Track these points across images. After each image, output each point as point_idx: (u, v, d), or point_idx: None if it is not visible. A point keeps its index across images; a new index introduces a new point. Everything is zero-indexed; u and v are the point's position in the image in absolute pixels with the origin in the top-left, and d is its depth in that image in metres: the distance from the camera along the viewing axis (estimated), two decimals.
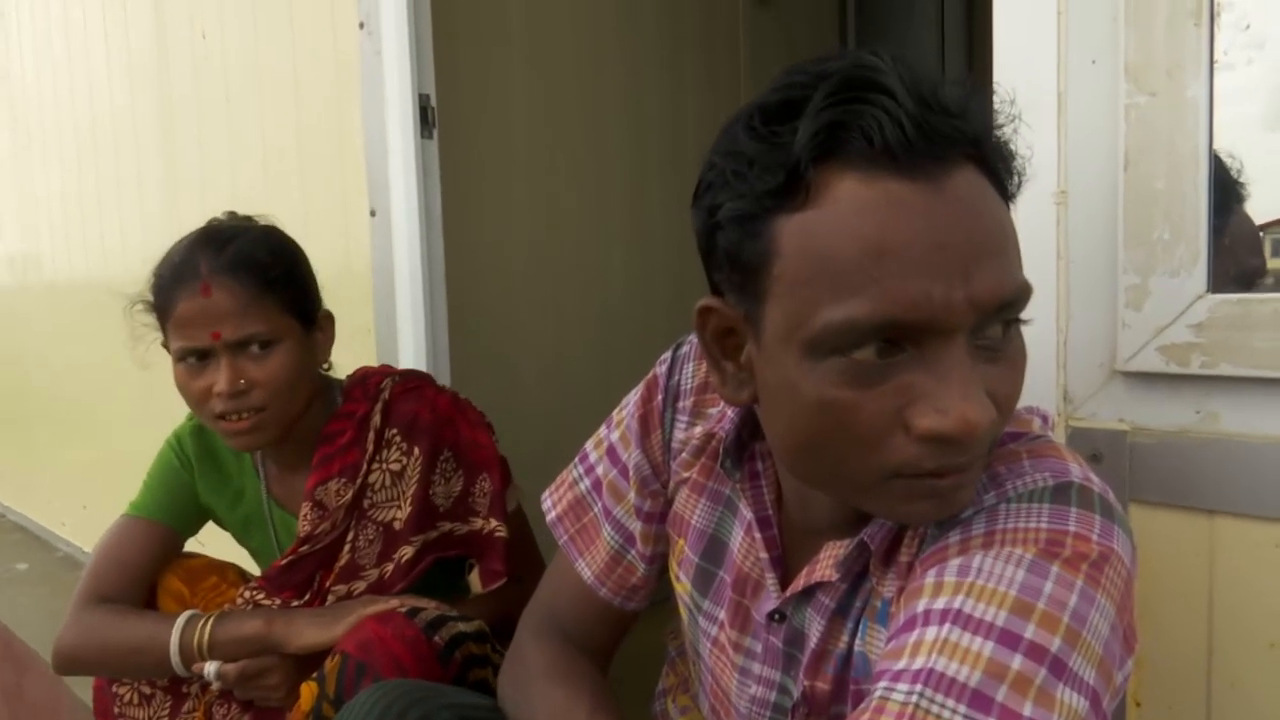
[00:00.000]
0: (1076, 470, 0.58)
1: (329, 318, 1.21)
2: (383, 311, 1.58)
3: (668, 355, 0.83)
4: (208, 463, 1.26)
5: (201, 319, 1.07)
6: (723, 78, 2.40)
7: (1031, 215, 0.79)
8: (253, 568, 1.35)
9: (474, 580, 1.22)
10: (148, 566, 1.20)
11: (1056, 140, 0.79)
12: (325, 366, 1.22)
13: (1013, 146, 0.57)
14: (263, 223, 1.19)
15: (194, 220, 2.14)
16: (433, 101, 1.51)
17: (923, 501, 0.55)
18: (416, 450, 1.17)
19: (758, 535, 0.71)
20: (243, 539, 1.29)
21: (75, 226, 2.76)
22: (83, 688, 1.75)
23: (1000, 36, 0.82)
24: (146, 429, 2.58)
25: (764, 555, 0.70)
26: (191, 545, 1.28)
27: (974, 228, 0.52)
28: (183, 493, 1.24)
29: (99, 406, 2.80)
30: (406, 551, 1.17)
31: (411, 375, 1.26)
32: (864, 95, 0.52)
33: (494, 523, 1.20)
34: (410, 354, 1.54)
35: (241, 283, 1.08)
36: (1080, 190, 0.77)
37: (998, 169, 0.55)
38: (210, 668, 1.08)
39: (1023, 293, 0.54)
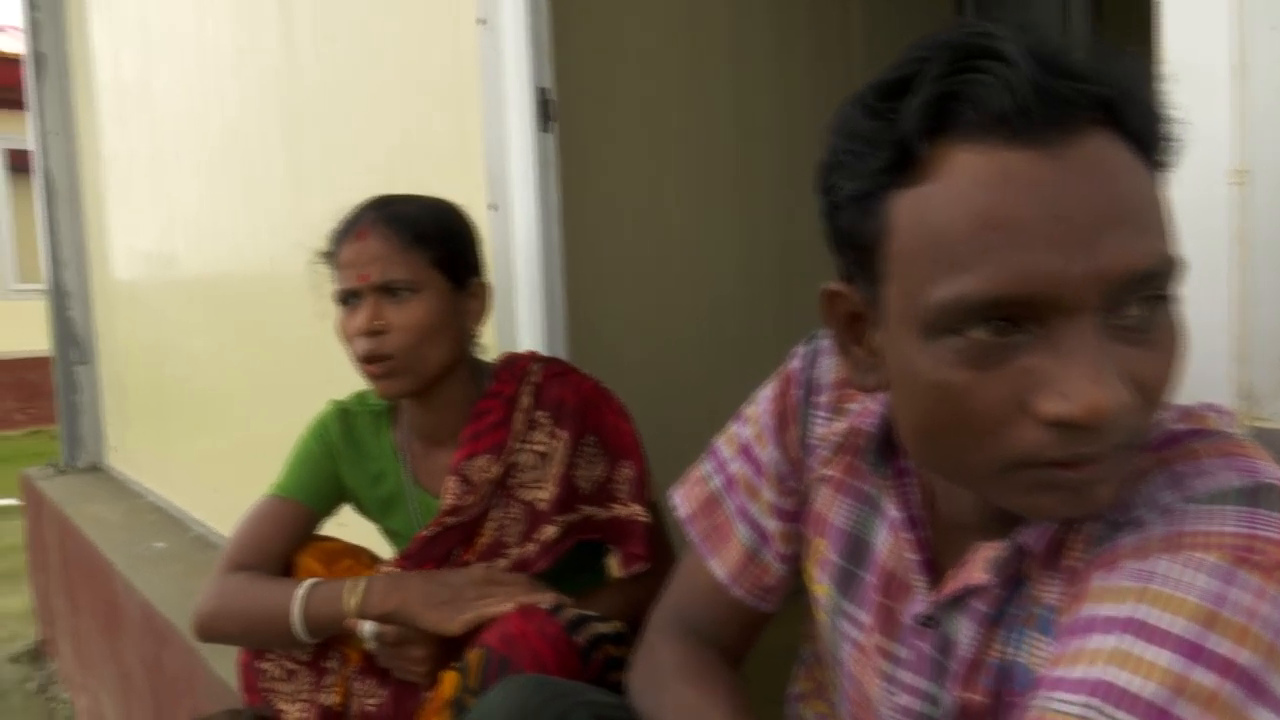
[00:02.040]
0: (1267, 469, 0.54)
1: (483, 287, 1.25)
2: (502, 304, 1.60)
3: (801, 348, 0.81)
4: (350, 444, 1.30)
5: (355, 261, 1.15)
6: (834, 62, 2.34)
7: (1201, 195, 0.74)
8: (386, 554, 1.38)
9: (612, 565, 1.22)
10: (285, 542, 1.25)
11: (1231, 114, 0.73)
12: (475, 335, 1.25)
13: (1162, 110, 0.53)
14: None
15: (318, 219, 2.21)
16: (552, 95, 1.51)
17: (1048, 495, 0.51)
18: (563, 433, 1.19)
19: (905, 534, 0.68)
20: (381, 519, 1.33)
21: (207, 226, 2.89)
22: (224, 664, 1.84)
23: (1167, 3, 0.76)
24: (269, 417, 2.70)
25: (912, 556, 0.67)
26: (332, 528, 1.31)
27: (1101, 196, 0.48)
28: (323, 473, 1.29)
29: (227, 396, 2.93)
30: (550, 531, 1.19)
31: (556, 361, 1.29)
32: (977, 64, 0.50)
33: (635, 508, 1.21)
34: (528, 345, 1.55)
35: (395, 230, 1.15)
36: (1263, 168, 0.71)
37: (1139, 134, 0.51)
38: (368, 627, 1.12)
39: (1163, 265, 0.50)
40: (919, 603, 0.67)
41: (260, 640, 1.21)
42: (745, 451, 0.82)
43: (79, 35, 3.89)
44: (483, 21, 1.53)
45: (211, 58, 2.71)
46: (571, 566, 1.22)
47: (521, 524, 1.21)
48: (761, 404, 0.82)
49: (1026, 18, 2.77)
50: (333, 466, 1.29)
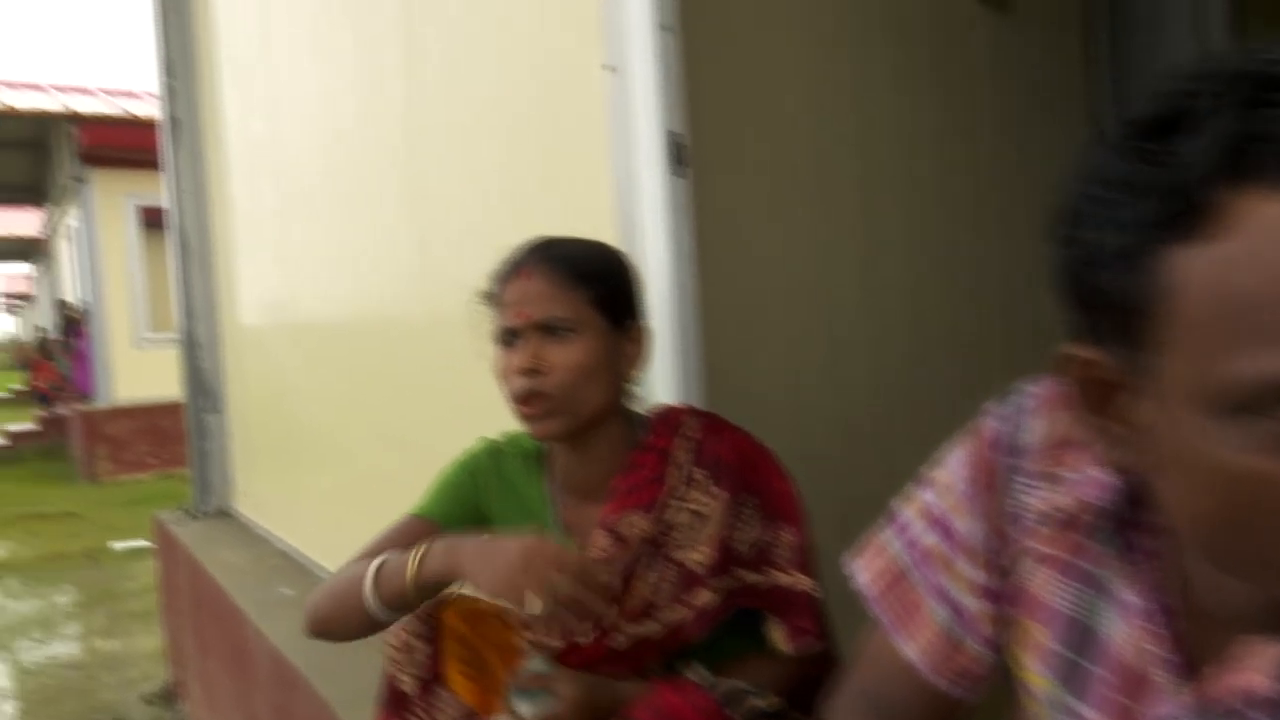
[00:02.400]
0: None
1: (642, 331, 1.23)
2: None
3: (997, 406, 0.73)
4: (501, 482, 1.29)
5: (516, 300, 1.16)
6: (957, 96, 2.25)
7: None
8: None
9: (776, 637, 1.16)
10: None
11: None
12: (632, 381, 1.22)
13: None
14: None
15: (440, 271, 2.23)
16: (684, 139, 1.47)
17: None
18: (721, 492, 1.15)
19: (1149, 625, 0.59)
20: None
21: (331, 275, 2.97)
22: (354, 715, 1.83)
23: None
24: (393, 462, 2.73)
25: (1157, 650, 0.59)
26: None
27: None
28: (466, 504, 1.28)
29: (351, 442, 2.98)
30: (706, 596, 1.13)
31: (712, 415, 1.24)
32: (1275, 97, 0.43)
33: (801, 578, 1.15)
34: (662, 398, 1.50)
35: (556, 270, 1.15)
36: None
37: None
38: (525, 708, 1.08)
39: None
40: (1167, 704, 0.58)
41: (345, 618, 1.18)
42: (937, 521, 0.75)
43: (210, 99, 4.09)
44: (611, 68, 1.51)
45: (336, 111, 2.79)
46: (730, 635, 1.16)
47: (674, 586, 1.15)
48: (953, 469, 0.75)
49: (1158, 49, 2.63)
50: (478, 499, 1.28)
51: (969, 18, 2.25)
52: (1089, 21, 2.57)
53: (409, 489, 2.59)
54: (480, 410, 2.14)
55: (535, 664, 1.16)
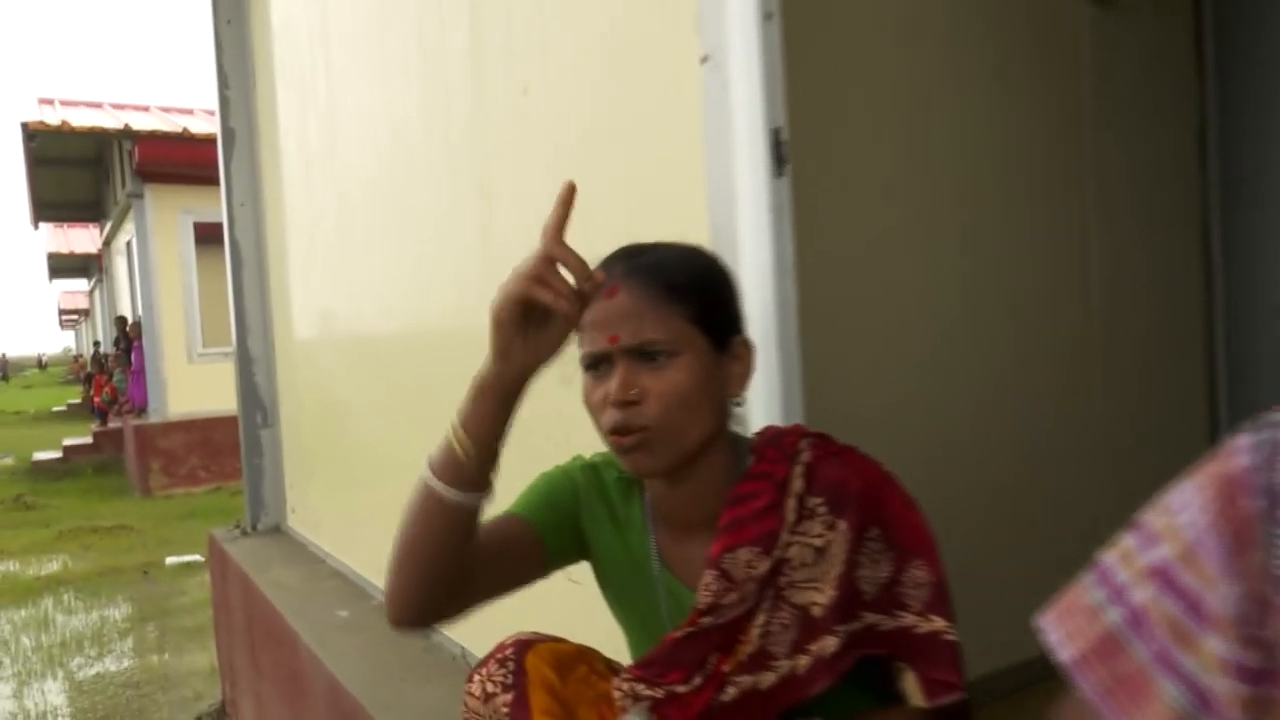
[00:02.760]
0: None
1: (747, 346, 1.09)
2: None
3: (1248, 438, 0.59)
4: (599, 500, 1.17)
5: (603, 322, 1.02)
6: (1059, 90, 2.10)
7: None
8: (618, 650, 1.22)
9: (911, 690, 1.02)
10: (499, 540, 1.10)
11: None
12: (737, 402, 1.09)
13: None
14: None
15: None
16: (785, 136, 1.35)
17: None
18: (842, 524, 1.01)
19: None
20: (620, 595, 1.17)
21: (392, 290, 2.88)
22: None
23: None
24: None
25: None
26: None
27: None
28: (565, 510, 1.16)
29: (407, 463, 2.88)
30: (830, 644, 1.00)
31: (826, 437, 1.11)
32: None
33: (938, 621, 1.01)
34: (760, 416, 1.37)
35: (647, 286, 1.02)
36: None
37: None
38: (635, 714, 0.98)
39: None
40: None
41: (422, 541, 1.03)
42: (1161, 577, 0.61)
43: (267, 110, 4.05)
44: (707, 59, 1.39)
45: (397, 118, 2.71)
46: (839, 682, 1.03)
47: (792, 632, 1.02)
48: (1191, 518, 0.61)
49: (1267, 48, 2.46)
50: (578, 512, 1.16)
51: (1072, 13, 2.10)
52: (1197, 17, 2.40)
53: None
54: (548, 427, 2.03)
55: (634, 717, 1.05)
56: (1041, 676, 2.13)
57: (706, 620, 1.03)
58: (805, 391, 1.39)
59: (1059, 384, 2.11)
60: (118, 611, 5.74)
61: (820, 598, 1.01)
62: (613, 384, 1.01)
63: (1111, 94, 2.20)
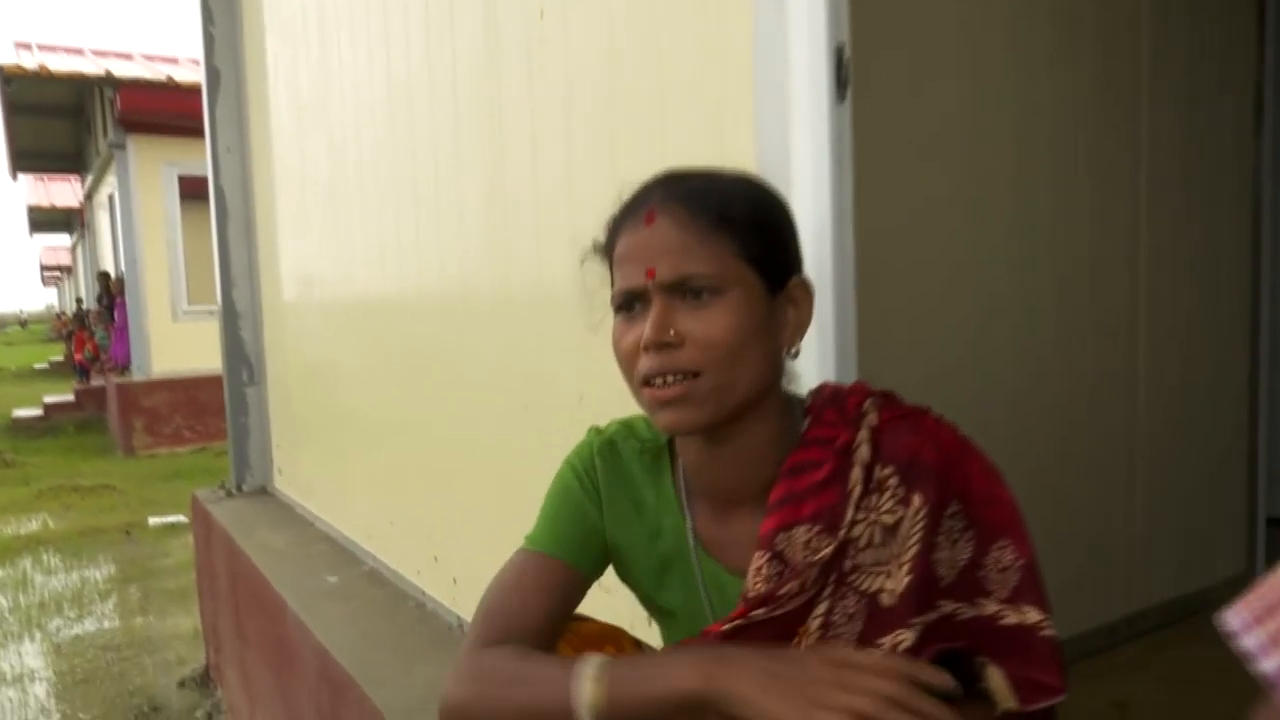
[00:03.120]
0: None
1: (806, 290, 0.94)
2: None
3: None
4: (619, 487, 1.01)
5: (639, 253, 0.88)
6: (1119, 55, 1.96)
7: None
8: (651, 636, 1.08)
9: (998, 688, 0.88)
10: (552, 611, 0.95)
11: None
12: (791, 354, 0.94)
13: None
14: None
15: (515, 244, 1.87)
16: (848, 54, 1.18)
17: None
18: (917, 499, 0.86)
19: None
20: (654, 592, 1.02)
21: (388, 246, 2.71)
22: None
23: None
24: (448, 447, 2.48)
25: None
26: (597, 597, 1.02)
27: None
28: (586, 524, 1.00)
29: (401, 423, 2.73)
30: (904, 637, 0.85)
31: (893, 397, 0.95)
32: None
33: (1030, 612, 0.87)
34: (813, 359, 1.22)
35: (691, 213, 0.87)
36: None
37: None
38: None
39: None
40: None
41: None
42: None
43: (255, 52, 3.84)
44: None
45: (397, 63, 2.52)
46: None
47: (858, 623, 0.87)
48: None
49: None
50: (596, 515, 1.01)
51: None
52: None
53: (464, 477, 2.37)
54: (551, 397, 1.88)
55: None
56: (1074, 657, 2.03)
57: (759, 613, 0.88)
58: (860, 349, 1.24)
59: (1103, 361, 2.03)
60: (99, 572, 5.59)
61: (891, 584, 0.87)
62: (648, 325, 0.86)
63: (1171, 59, 2.08)
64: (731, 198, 0.89)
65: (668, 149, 1.42)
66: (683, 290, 0.86)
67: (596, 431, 1.05)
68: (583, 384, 1.76)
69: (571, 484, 1.01)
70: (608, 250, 0.95)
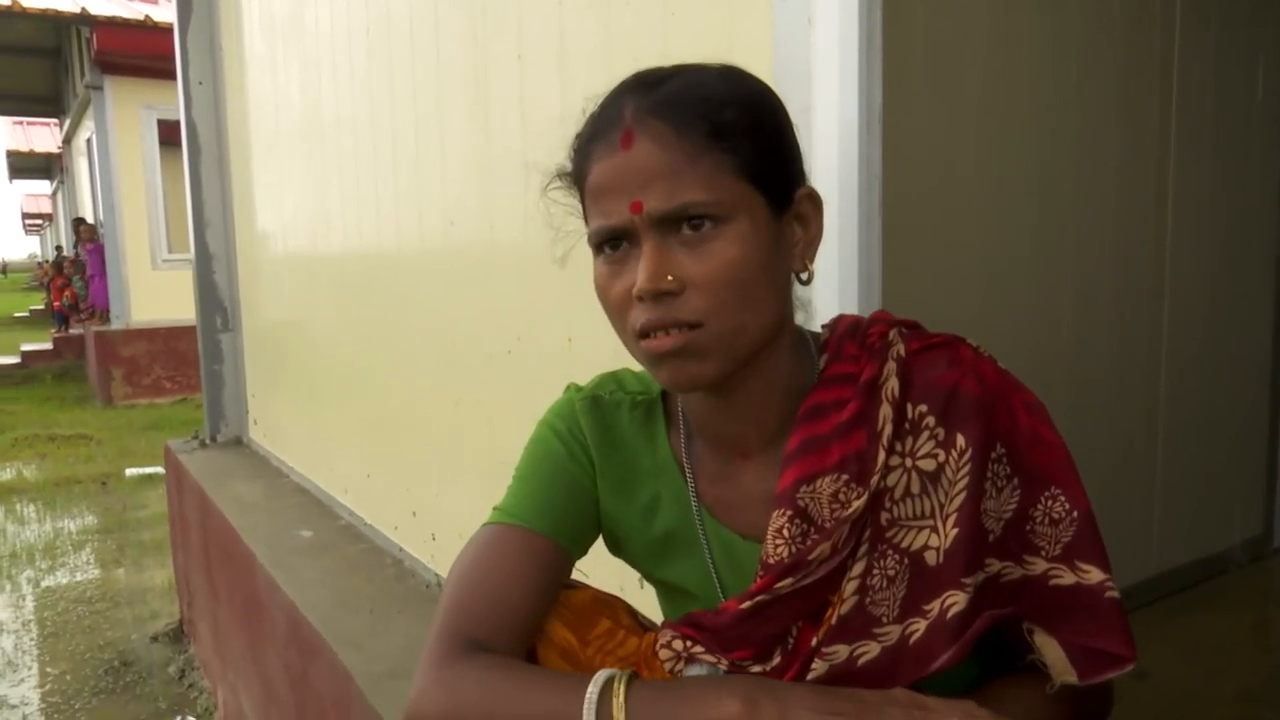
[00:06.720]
0: None
1: (814, 201, 0.78)
2: None
3: None
4: (611, 452, 0.86)
5: (620, 183, 0.72)
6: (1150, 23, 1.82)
7: None
8: (651, 608, 0.94)
9: (1053, 659, 0.75)
10: (539, 599, 0.80)
11: None
12: (804, 279, 0.78)
13: None
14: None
15: (507, 189, 1.72)
16: None
17: None
18: (960, 440, 0.73)
19: None
20: (655, 567, 0.88)
21: (367, 191, 2.54)
22: (381, 692, 1.47)
23: None
24: (428, 399, 2.34)
25: None
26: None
27: None
28: (575, 494, 0.85)
29: (382, 374, 2.58)
30: (956, 599, 0.72)
31: (921, 326, 0.81)
32: None
33: (1091, 571, 0.74)
34: (833, 285, 1.08)
35: (676, 127, 0.70)
36: None
37: None
38: None
39: None
40: None
41: None
42: None
43: None
44: None
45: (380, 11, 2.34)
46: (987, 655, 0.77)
47: (900, 587, 0.74)
48: None
49: None
50: (587, 479, 0.86)
51: None
52: None
53: (445, 427, 2.23)
54: (537, 341, 1.74)
55: (699, 669, 0.78)
56: None
57: (785, 584, 0.74)
58: (885, 263, 1.09)
59: (1125, 326, 1.95)
60: (73, 524, 5.46)
61: (937, 540, 0.73)
62: (640, 271, 0.71)
63: (1202, 24, 1.97)
64: (722, 101, 0.72)
65: (672, 43, 1.26)
66: (677, 223, 0.71)
67: (576, 388, 0.90)
68: (571, 326, 1.62)
69: (555, 447, 0.86)
70: (577, 179, 0.78)
